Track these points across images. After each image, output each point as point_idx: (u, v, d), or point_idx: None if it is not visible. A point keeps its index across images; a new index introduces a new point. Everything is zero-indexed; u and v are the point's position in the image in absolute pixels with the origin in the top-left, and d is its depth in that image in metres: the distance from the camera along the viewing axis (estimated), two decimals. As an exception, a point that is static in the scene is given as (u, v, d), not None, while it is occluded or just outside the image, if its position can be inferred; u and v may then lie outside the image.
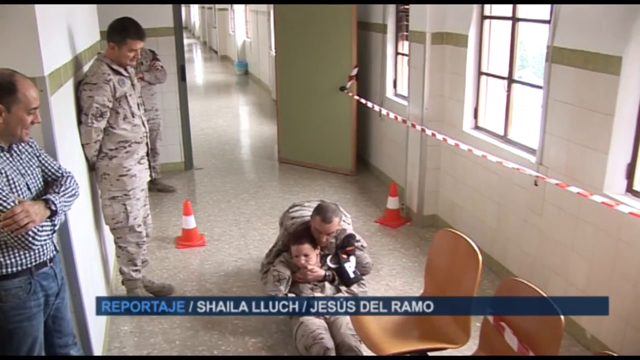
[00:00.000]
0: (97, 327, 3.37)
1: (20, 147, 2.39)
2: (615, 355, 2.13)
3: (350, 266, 3.61)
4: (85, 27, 4.16)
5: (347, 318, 3.37)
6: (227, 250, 5.01)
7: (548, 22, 3.68)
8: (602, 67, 3.24)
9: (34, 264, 2.35)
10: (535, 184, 3.89)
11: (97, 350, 3.25)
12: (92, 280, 3.42)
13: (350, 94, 6.54)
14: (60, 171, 2.55)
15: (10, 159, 2.32)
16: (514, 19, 4.26)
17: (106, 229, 3.98)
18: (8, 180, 2.26)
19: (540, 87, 3.88)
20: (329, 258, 3.68)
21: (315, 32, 6.66)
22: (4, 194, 2.19)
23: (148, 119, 4.70)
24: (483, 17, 4.61)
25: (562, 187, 3.45)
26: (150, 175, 4.19)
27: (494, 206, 4.49)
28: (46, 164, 2.52)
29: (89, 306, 3.10)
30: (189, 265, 4.75)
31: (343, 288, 3.62)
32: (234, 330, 3.81)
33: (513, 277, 3.72)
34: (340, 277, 3.63)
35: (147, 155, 3.93)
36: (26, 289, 2.34)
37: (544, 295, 2.43)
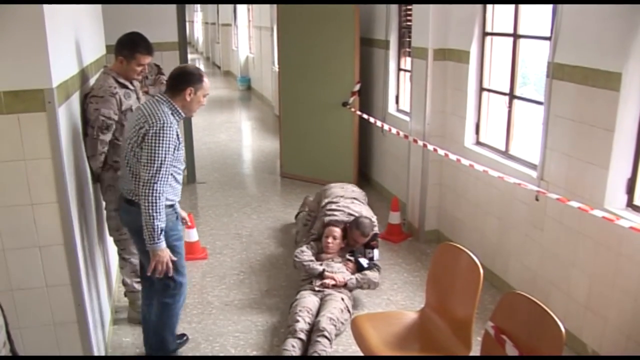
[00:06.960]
0: (99, 337, 3.38)
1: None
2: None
3: (364, 260, 4.32)
4: (91, 41, 4.21)
5: (338, 303, 3.83)
6: (229, 263, 5.02)
7: (549, 38, 3.73)
8: (602, 83, 3.28)
9: (175, 201, 3.23)
10: (536, 199, 3.92)
11: (99, 361, 3.26)
12: (96, 290, 3.43)
13: (352, 110, 6.59)
14: None
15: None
16: (515, 36, 4.32)
17: (110, 240, 4.00)
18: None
19: (541, 103, 3.92)
20: (347, 254, 4.39)
21: (318, 48, 6.73)
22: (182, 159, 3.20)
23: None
24: (485, 34, 4.67)
25: (563, 201, 3.47)
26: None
27: (495, 221, 4.50)
28: None
29: (91, 317, 3.12)
30: (191, 278, 4.75)
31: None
32: (235, 343, 3.82)
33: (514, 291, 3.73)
34: (357, 265, 4.32)
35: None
36: (174, 216, 3.24)
37: (545, 308, 2.45)
